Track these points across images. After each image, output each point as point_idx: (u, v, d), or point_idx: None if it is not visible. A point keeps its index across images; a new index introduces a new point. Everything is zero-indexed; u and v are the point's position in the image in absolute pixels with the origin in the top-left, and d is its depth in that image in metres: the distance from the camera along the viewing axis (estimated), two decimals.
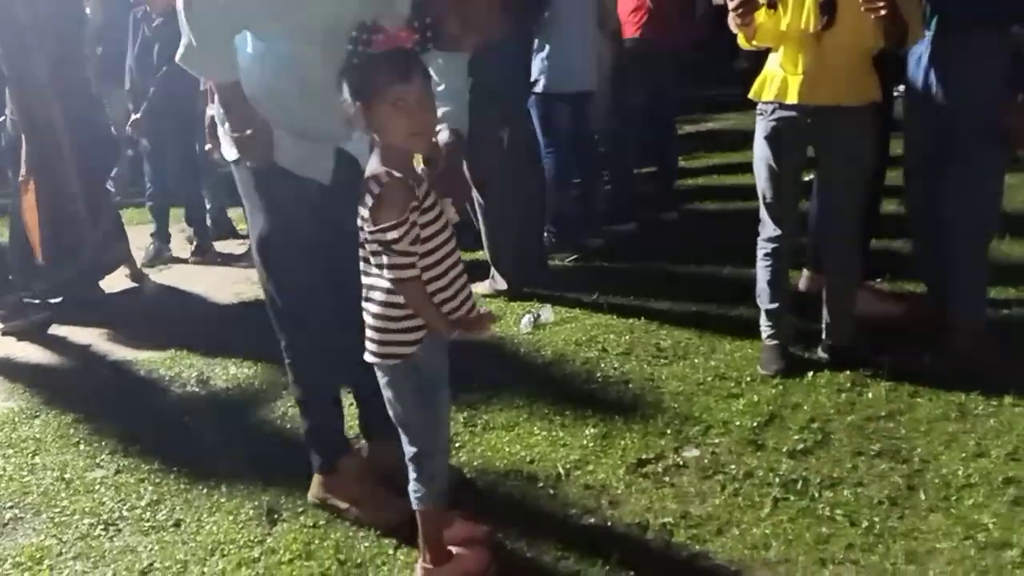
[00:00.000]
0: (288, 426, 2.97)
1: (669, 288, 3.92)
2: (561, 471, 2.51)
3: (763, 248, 3.04)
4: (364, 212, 1.82)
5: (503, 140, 3.89)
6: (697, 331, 3.43)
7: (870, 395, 2.79)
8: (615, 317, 3.67)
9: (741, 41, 2.94)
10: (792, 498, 2.30)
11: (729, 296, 3.70)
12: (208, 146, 2.38)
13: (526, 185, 4.13)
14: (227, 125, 2.14)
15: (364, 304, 1.91)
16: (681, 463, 2.52)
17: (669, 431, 2.69)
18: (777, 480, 2.38)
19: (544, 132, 4.53)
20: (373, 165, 1.84)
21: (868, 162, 2.95)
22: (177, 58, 2.04)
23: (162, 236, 5.42)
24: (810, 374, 2.95)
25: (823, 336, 3.08)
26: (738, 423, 2.69)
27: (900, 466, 2.38)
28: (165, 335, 3.92)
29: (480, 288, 4.10)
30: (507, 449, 2.67)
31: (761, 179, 2.98)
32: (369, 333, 1.91)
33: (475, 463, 2.60)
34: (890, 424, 2.62)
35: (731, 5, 2.78)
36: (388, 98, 1.78)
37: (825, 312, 3.06)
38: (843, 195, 2.95)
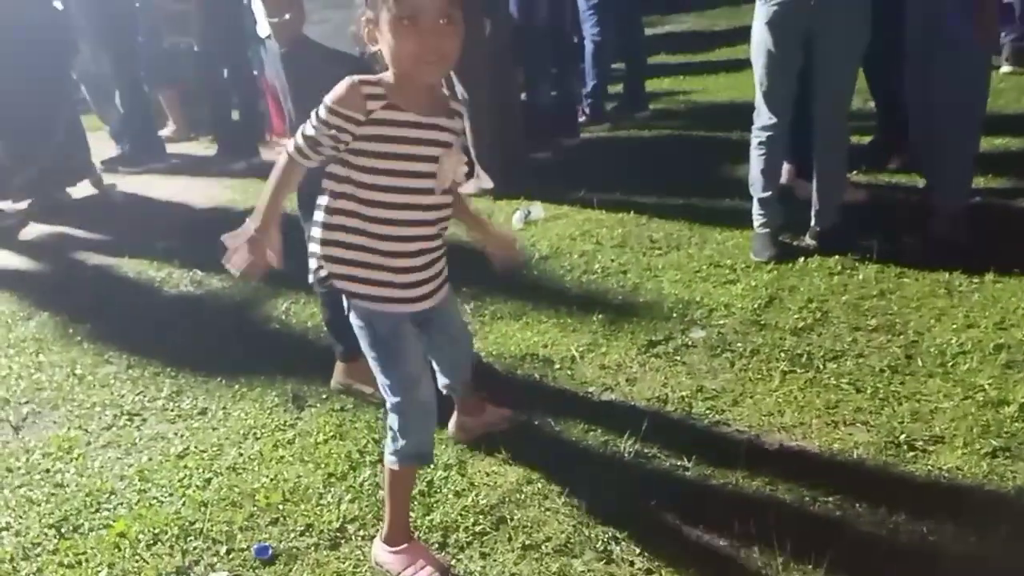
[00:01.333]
0: (293, 320, 2.99)
1: (653, 183, 3.98)
2: (575, 353, 2.60)
3: (757, 137, 3.11)
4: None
5: (485, 29, 3.84)
6: (687, 223, 3.52)
7: (860, 276, 2.92)
8: (604, 212, 3.72)
9: None
10: (799, 370, 2.42)
11: (710, 189, 3.78)
12: None
13: (504, 76, 4.10)
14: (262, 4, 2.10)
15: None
16: (690, 343, 2.63)
17: (674, 314, 2.79)
18: (783, 355, 2.50)
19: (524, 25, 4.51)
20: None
21: (864, 43, 3.00)
22: None
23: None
24: (802, 259, 3.07)
25: (812, 223, 3.19)
26: (739, 305, 2.80)
27: (896, 338, 2.53)
28: (142, 239, 3.86)
29: (466, 188, 4.11)
30: (518, 336, 2.74)
31: (759, 66, 3.02)
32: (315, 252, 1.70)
33: (490, 349, 2.67)
34: (882, 302, 2.76)
35: None
36: (396, 12, 1.51)
37: (815, 199, 3.16)
38: (841, 78, 3.01)
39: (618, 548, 1.80)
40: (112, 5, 4.86)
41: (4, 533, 1.98)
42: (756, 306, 2.79)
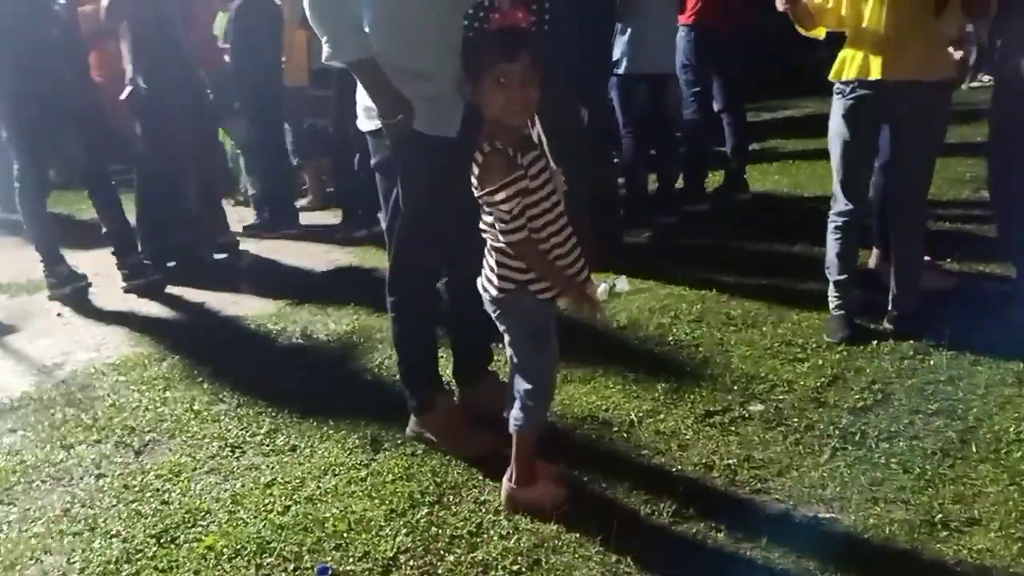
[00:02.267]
0: (384, 373, 3.27)
1: (740, 263, 4.11)
2: (634, 418, 2.75)
3: (834, 222, 3.21)
4: (473, 180, 2.08)
5: (583, 119, 4.12)
6: (766, 302, 3.62)
7: (932, 362, 2.94)
8: (687, 288, 3.87)
9: (799, 28, 3.10)
10: (850, 448, 2.48)
11: (798, 271, 3.87)
12: None
13: (601, 164, 4.35)
14: (370, 105, 2.37)
15: (487, 258, 2.19)
16: (746, 415, 2.73)
17: (736, 387, 2.90)
18: (836, 432, 2.57)
19: (623, 112, 4.74)
20: (481, 137, 2.07)
21: (942, 137, 3.08)
22: (324, 59, 2.32)
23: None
24: (874, 342, 3.12)
25: (889, 308, 3.23)
26: (802, 383, 2.88)
27: (955, 423, 2.55)
28: (267, 296, 4.30)
29: None
30: (584, 399, 2.92)
31: (836, 156, 3.14)
32: (494, 281, 2.17)
33: (556, 409, 2.85)
34: (949, 388, 2.77)
35: None
36: (493, 75, 2.01)
37: (892, 283, 3.21)
38: (917, 170, 3.09)
39: None
40: (266, 87, 5.49)
41: (113, 539, 2.31)
42: (819, 384, 2.86)
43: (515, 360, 2.26)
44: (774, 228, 4.66)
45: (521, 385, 2.24)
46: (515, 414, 2.27)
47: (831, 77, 3.13)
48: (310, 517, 2.33)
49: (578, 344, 3.32)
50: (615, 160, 4.87)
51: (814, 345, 3.17)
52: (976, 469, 2.31)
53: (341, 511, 2.35)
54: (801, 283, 3.75)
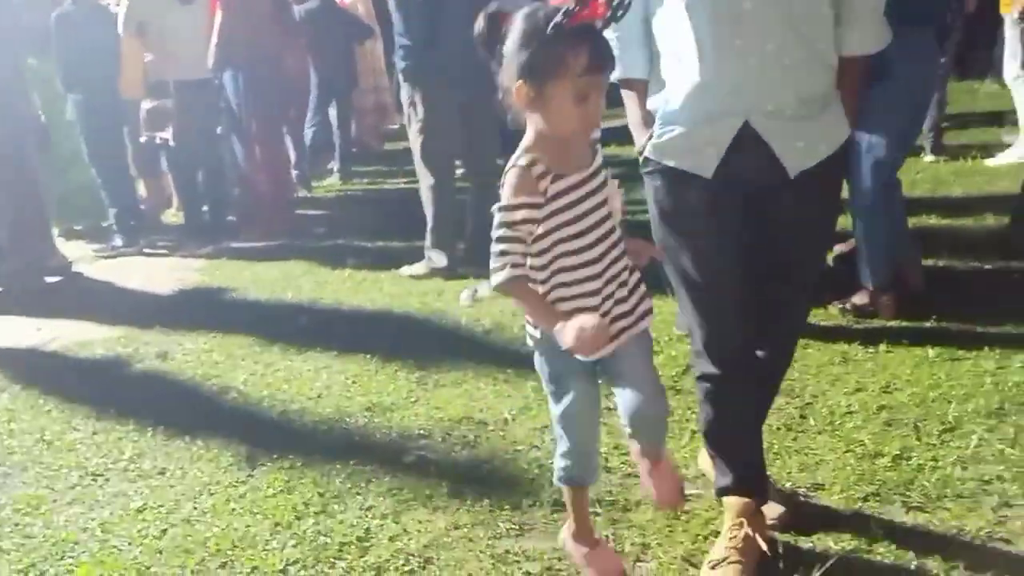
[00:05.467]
0: (251, 390, 3.22)
1: None
2: (508, 416, 2.86)
3: None
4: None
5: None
6: None
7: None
8: None
9: None
10: None
11: (647, 267, 4.11)
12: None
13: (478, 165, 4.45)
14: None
15: None
16: (612, 407, 2.87)
17: (601, 383, 3.06)
18: (694, 416, 2.77)
19: None
20: (520, 146, 1.69)
21: None
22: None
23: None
24: None
25: None
26: (662, 372, 3.07)
27: (794, 400, 2.81)
28: (112, 318, 4.10)
29: (415, 269, 4.42)
30: (458, 401, 3.00)
31: None
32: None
33: (431, 414, 2.92)
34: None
35: None
36: (574, 84, 1.58)
37: None
38: None
39: None
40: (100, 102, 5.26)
41: None
42: (674, 373, 3.08)
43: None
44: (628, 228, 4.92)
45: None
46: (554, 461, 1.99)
47: None
48: (190, 538, 2.28)
49: (448, 349, 3.42)
50: None
51: (666, 338, 3.39)
52: (815, 440, 2.57)
53: (222, 529, 2.30)
54: (649, 284, 3.98)
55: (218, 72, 5.36)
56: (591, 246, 1.72)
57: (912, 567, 1.97)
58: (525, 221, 1.65)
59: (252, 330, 3.80)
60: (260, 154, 5.46)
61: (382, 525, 2.30)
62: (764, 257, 1.99)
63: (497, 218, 1.65)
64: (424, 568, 2.12)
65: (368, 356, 3.45)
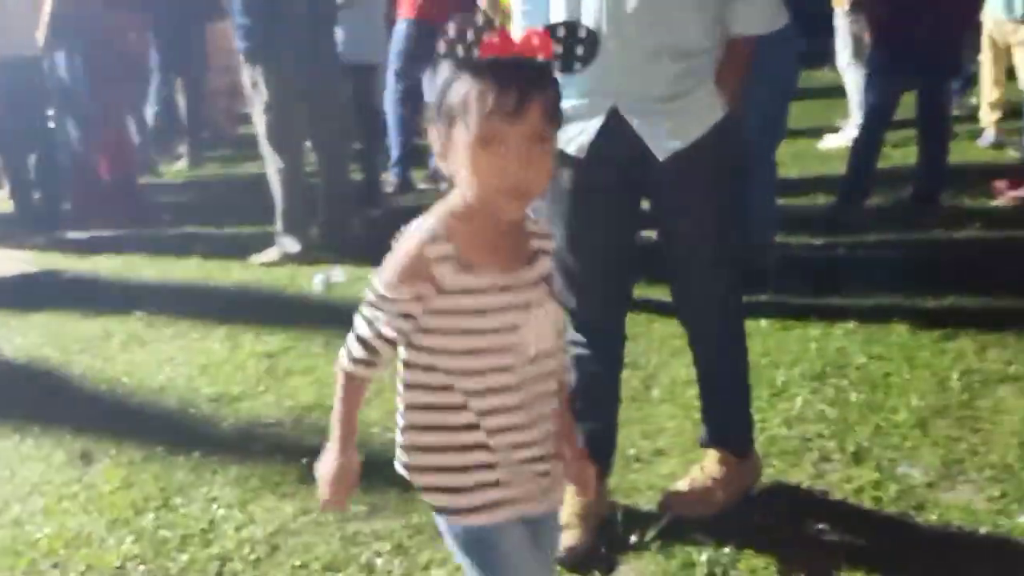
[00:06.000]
0: (87, 385, 3.06)
1: None
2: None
3: None
4: None
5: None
6: None
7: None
8: None
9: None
10: None
11: None
12: None
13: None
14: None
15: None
16: None
17: None
18: None
19: None
20: (441, 203, 1.29)
21: None
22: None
23: None
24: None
25: None
26: None
27: (639, 372, 2.92)
28: None
29: (266, 255, 4.30)
30: (309, 389, 2.95)
31: None
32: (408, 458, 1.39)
33: (281, 403, 2.86)
34: (632, 344, 3.13)
35: None
36: (481, 132, 1.17)
37: None
38: None
39: (380, 560, 2.04)
40: None
41: None
42: None
43: None
44: None
45: None
46: None
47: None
48: (19, 540, 2.15)
49: (300, 336, 3.36)
50: None
51: None
52: (658, 408, 2.70)
53: (55, 529, 2.19)
54: None
55: (49, 51, 5.02)
56: (502, 371, 1.27)
57: (737, 517, 2.10)
58: (398, 315, 1.25)
59: (90, 323, 3.61)
60: (101, 137, 5.16)
61: (227, 516, 2.24)
62: (663, 236, 2.07)
63: (366, 304, 1.28)
64: (271, 555, 2.08)
65: (215, 346, 3.34)
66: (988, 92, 5.77)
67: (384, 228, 4.44)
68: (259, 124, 4.20)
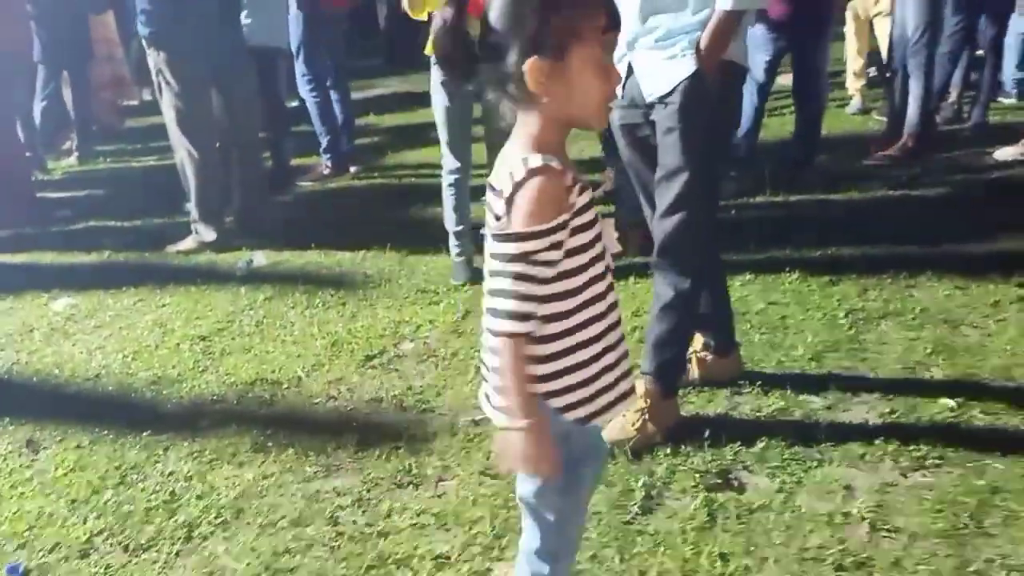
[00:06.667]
0: (16, 379, 3.04)
1: (366, 228, 4.41)
2: (301, 374, 2.94)
3: (446, 180, 3.65)
4: (498, 209, 1.31)
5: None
6: (397, 260, 3.99)
7: None
8: (323, 255, 4.10)
9: (408, 9, 3.48)
10: None
11: (418, 231, 4.27)
12: None
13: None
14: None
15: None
16: (401, 354, 3.07)
17: (387, 332, 3.23)
18: (476, 354, 3.01)
19: None
20: (517, 149, 1.33)
21: None
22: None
23: None
24: None
25: None
26: (442, 320, 3.30)
27: None
28: None
29: (183, 245, 4.30)
30: (248, 366, 3.03)
31: (440, 121, 3.57)
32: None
33: (223, 380, 2.93)
34: None
35: None
36: (593, 50, 1.29)
37: None
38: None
39: (343, 513, 2.17)
40: None
41: None
42: (456, 319, 3.30)
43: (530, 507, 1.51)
44: (393, 193, 5.07)
45: (531, 543, 1.54)
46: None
47: (427, 51, 3.53)
48: None
49: (231, 318, 3.42)
50: None
51: (445, 288, 3.61)
52: None
53: (15, 512, 2.22)
54: (423, 241, 4.14)
55: None
56: (600, 280, 1.36)
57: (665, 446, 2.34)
58: (552, 248, 1.27)
59: (5, 319, 3.56)
60: None
61: (187, 486, 2.32)
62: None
63: (510, 249, 1.27)
64: (237, 518, 2.18)
65: (145, 334, 3.36)
66: (852, 61, 6.25)
67: (296, 212, 4.61)
68: (168, 112, 4.16)
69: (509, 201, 1.28)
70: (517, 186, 1.27)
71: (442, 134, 3.61)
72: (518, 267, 1.27)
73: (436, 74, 3.51)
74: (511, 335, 1.30)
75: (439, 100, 3.54)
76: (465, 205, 3.71)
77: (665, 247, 2.36)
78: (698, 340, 2.68)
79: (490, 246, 1.33)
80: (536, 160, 1.28)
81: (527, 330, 1.30)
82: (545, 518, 1.49)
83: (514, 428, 1.33)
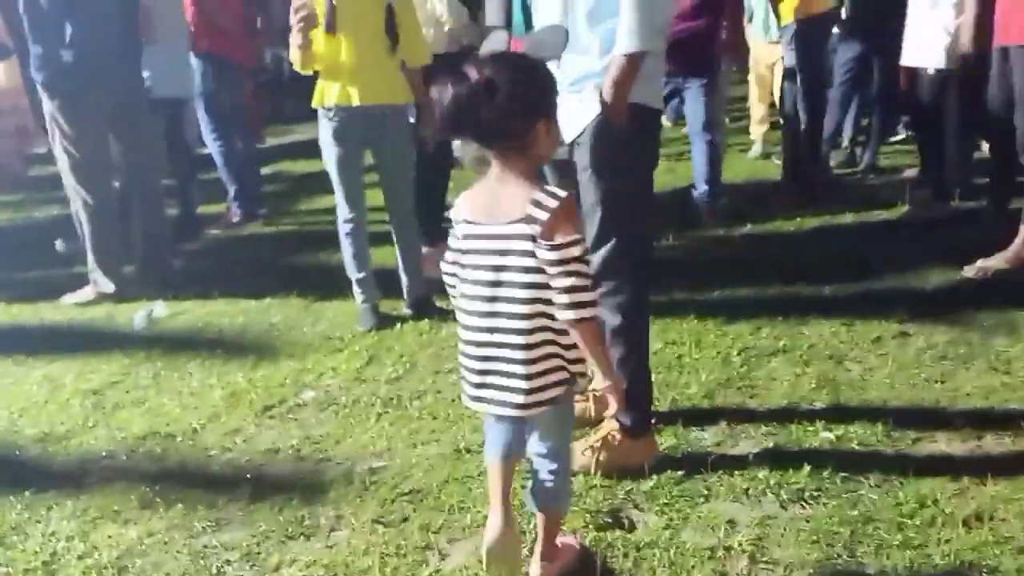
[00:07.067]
0: None
1: (269, 277, 4.38)
2: (196, 426, 2.88)
3: (344, 228, 3.64)
4: (536, 227, 1.66)
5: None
6: (303, 307, 3.97)
7: (443, 332, 3.55)
8: (226, 304, 4.05)
9: (298, 66, 3.50)
10: (390, 411, 2.93)
11: (329, 278, 4.25)
12: None
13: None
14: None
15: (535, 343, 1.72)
16: (302, 403, 3.04)
17: (288, 382, 3.19)
18: (378, 401, 3.00)
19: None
20: (518, 183, 1.71)
21: (411, 155, 3.68)
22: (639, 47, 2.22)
23: None
24: (399, 324, 3.65)
25: (404, 296, 3.79)
26: (345, 367, 3.28)
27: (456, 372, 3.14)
28: None
29: (79, 296, 4.19)
30: (141, 420, 2.96)
31: (333, 172, 3.58)
32: (543, 373, 1.74)
33: (113, 436, 2.85)
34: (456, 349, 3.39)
35: (294, 21, 3.35)
36: (552, 118, 1.74)
37: (403, 277, 3.78)
38: (397, 180, 3.68)
39: (230, 568, 2.13)
40: None
41: None
42: (359, 365, 3.29)
43: (556, 448, 1.88)
44: (303, 239, 5.04)
45: (559, 465, 1.89)
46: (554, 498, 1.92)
47: (315, 104, 3.55)
48: None
49: (126, 371, 3.34)
50: None
51: (350, 335, 3.60)
52: None
53: None
54: (330, 288, 4.12)
55: None
56: None
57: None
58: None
59: None
60: None
61: (69, 547, 2.24)
62: None
63: (572, 252, 1.66)
64: None
65: (34, 388, 3.26)
66: (754, 108, 6.53)
67: (202, 260, 4.56)
68: (62, 159, 4.07)
69: (553, 218, 1.65)
70: (559, 208, 1.66)
71: (337, 185, 3.61)
72: (580, 266, 1.67)
73: (326, 126, 3.52)
74: (593, 318, 1.70)
75: (331, 153, 3.55)
76: (365, 251, 3.72)
77: (599, 279, 2.40)
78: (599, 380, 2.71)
79: (542, 257, 1.67)
80: (561, 191, 1.70)
81: (595, 313, 1.71)
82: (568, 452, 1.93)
83: (616, 386, 1.79)
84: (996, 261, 3.71)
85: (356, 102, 3.44)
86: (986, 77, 3.95)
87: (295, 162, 7.58)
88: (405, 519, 2.30)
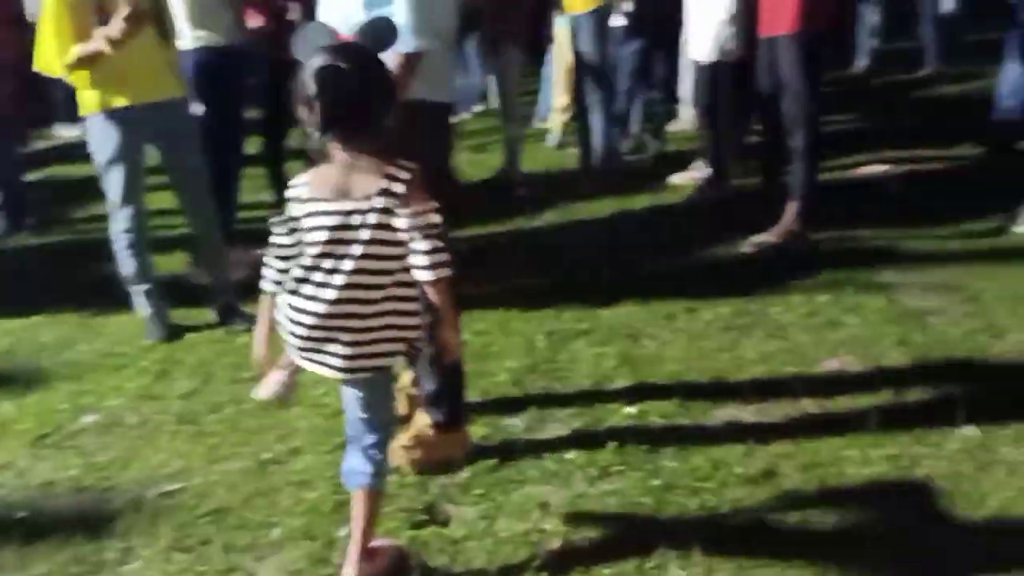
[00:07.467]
0: None
1: (44, 293, 3.98)
2: None
3: (124, 238, 3.31)
4: (391, 202, 1.74)
5: None
6: (78, 324, 3.61)
7: (241, 340, 3.31)
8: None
9: (63, 72, 3.16)
10: (185, 428, 2.73)
11: (100, 292, 3.82)
12: None
13: None
14: None
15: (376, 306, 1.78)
16: (81, 429, 2.77)
17: (65, 407, 2.90)
18: (171, 419, 2.79)
19: None
20: (373, 161, 1.76)
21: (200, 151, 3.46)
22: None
23: None
24: (190, 334, 3.41)
25: (213, 303, 3.51)
26: (130, 385, 3.02)
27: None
28: None
29: None
30: None
31: (111, 176, 3.26)
32: (375, 340, 1.80)
33: None
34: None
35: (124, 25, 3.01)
36: None
37: (209, 281, 3.53)
38: (191, 176, 3.45)
39: None
40: None
41: None
42: (146, 382, 3.04)
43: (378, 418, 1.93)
44: (76, 250, 4.61)
45: (379, 437, 1.93)
46: (371, 469, 1.92)
47: (83, 112, 3.24)
48: None
49: None
50: None
51: (135, 350, 3.32)
52: (291, 412, 2.78)
53: None
54: (109, 300, 3.70)
55: None
56: None
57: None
58: None
59: None
60: None
61: None
62: None
63: (432, 218, 1.76)
64: None
65: None
66: (556, 98, 6.67)
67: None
68: None
69: (410, 188, 1.75)
70: (412, 178, 1.76)
71: (114, 190, 3.30)
72: (437, 230, 1.76)
73: (101, 129, 3.21)
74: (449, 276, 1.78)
75: (107, 157, 3.23)
76: (148, 259, 3.43)
77: None
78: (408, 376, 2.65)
79: (401, 225, 1.75)
80: (409, 163, 1.78)
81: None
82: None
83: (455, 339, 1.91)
84: (769, 235, 4.00)
85: (132, 101, 3.17)
86: (754, 64, 4.25)
87: (64, 166, 6.93)
88: (205, 542, 2.15)
